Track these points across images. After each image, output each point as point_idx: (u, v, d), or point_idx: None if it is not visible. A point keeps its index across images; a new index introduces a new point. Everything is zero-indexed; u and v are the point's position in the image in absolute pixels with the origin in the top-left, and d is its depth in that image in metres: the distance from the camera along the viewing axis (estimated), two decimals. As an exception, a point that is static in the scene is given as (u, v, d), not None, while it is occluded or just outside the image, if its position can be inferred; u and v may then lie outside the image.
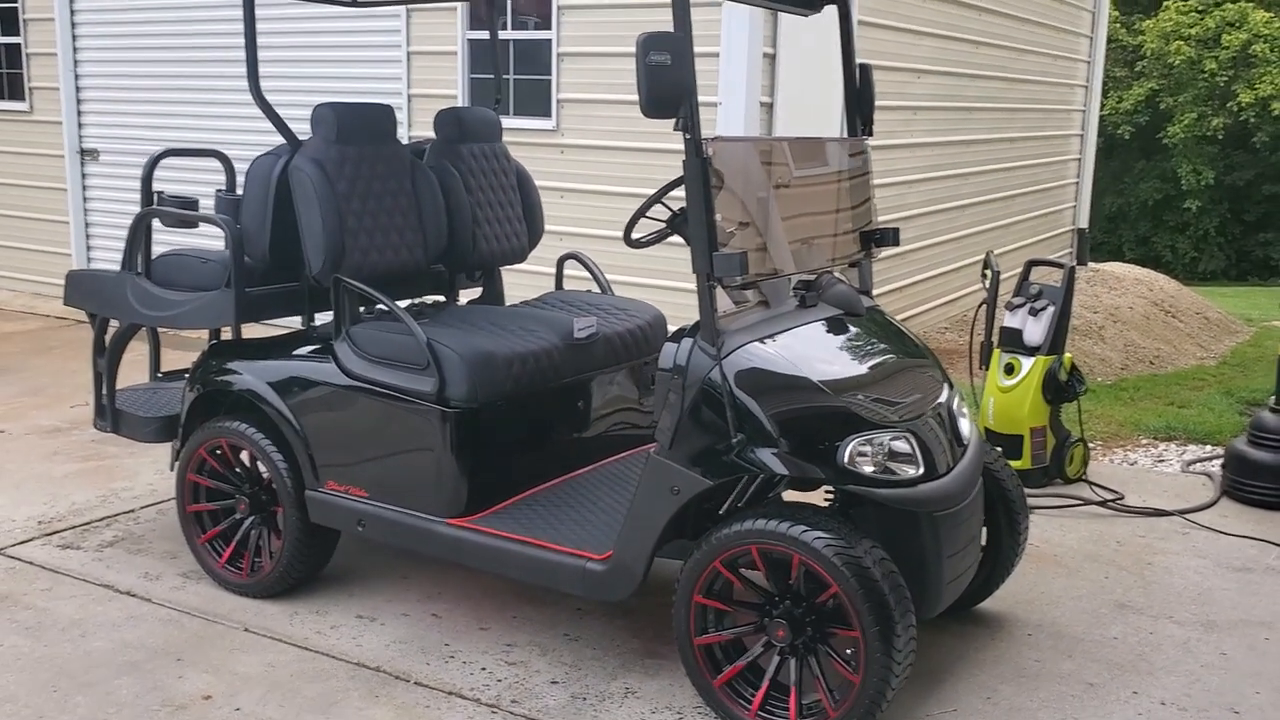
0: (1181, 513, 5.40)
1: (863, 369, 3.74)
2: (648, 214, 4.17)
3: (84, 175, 9.64)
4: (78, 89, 9.51)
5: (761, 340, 3.52)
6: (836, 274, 4.17)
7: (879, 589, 3.24)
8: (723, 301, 3.54)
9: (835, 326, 3.87)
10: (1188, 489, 5.79)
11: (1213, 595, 4.54)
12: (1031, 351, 5.76)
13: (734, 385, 3.41)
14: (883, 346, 3.97)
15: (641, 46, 3.19)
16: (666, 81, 3.21)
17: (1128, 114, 26.76)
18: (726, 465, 3.43)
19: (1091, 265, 13.90)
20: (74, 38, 9.43)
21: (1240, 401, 8.01)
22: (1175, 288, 13.81)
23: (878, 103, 8.56)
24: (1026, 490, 5.58)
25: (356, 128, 4.34)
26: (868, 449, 3.41)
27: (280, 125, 4.28)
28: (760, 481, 3.75)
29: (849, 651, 3.33)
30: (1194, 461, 6.31)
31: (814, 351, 3.64)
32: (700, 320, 3.47)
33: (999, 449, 5.69)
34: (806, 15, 4.37)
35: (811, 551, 3.27)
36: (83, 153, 9.57)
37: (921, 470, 3.51)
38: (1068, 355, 5.78)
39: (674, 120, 3.31)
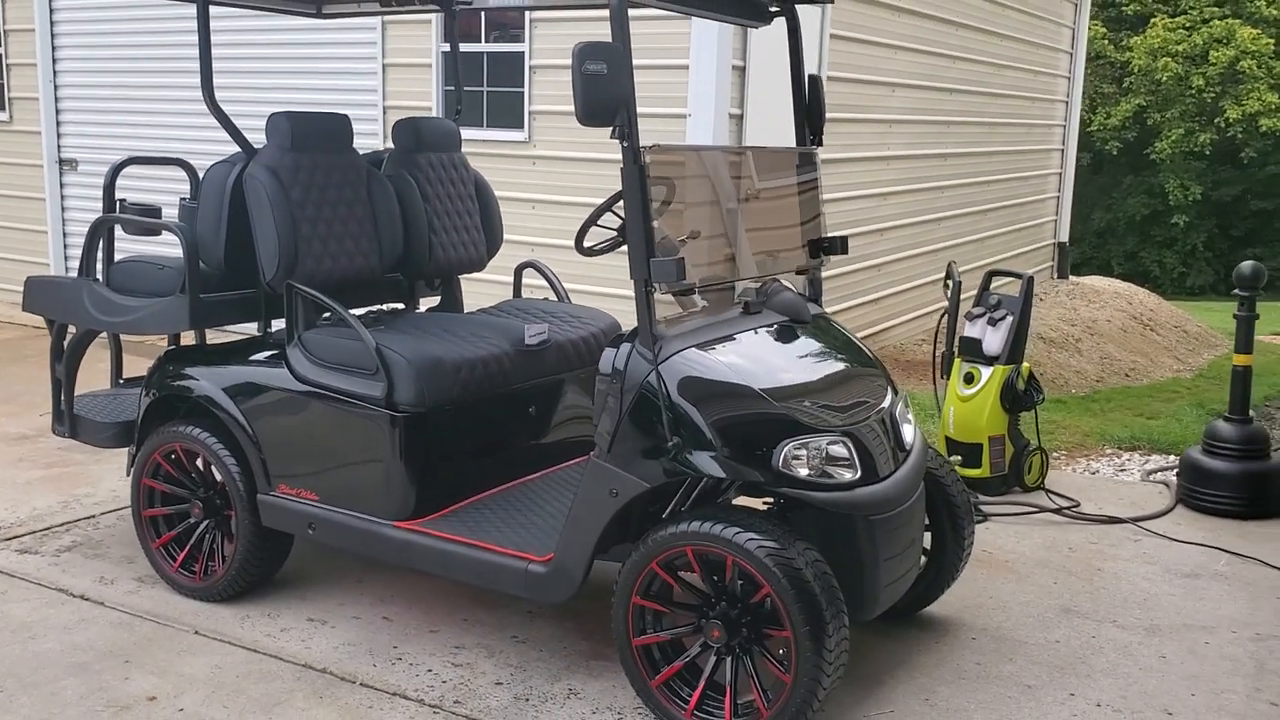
0: (1135, 520, 5.45)
1: (803, 374, 3.79)
2: (599, 223, 4.24)
3: (62, 185, 9.71)
4: (57, 99, 9.58)
5: (699, 346, 3.57)
6: (784, 281, 4.23)
7: (810, 589, 3.29)
8: (668, 308, 3.59)
9: (779, 333, 3.92)
10: (1145, 497, 5.84)
11: (1158, 600, 4.59)
12: (990, 361, 5.81)
13: (670, 389, 3.46)
14: (826, 353, 4.02)
15: (577, 56, 3.24)
16: (602, 90, 3.27)
17: (1115, 130, 26.92)
18: (664, 468, 3.48)
19: (1071, 279, 14.00)
20: (54, 49, 9.51)
21: (1210, 413, 8.06)
22: (1155, 301, 13.90)
23: (853, 115, 8.69)
24: (984, 498, 5.66)
25: (311, 136, 4.40)
26: (802, 453, 3.45)
27: (234, 133, 4.33)
28: (706, 486, 3.79)
29: (781, 652, 3.37)
30: (1155, 471, 6.36)
31: (753, 357, 3.69)
32: (638, 326, 3.52)
33: (958, 456, 5.78)
34: (757, 27, 4.43)
35: (744, 552, 3.32)
36: (61, 162, 9.64)
37: (858, 474, 3.56)
38: (1026, 365, 5.84)
39: (610, 129, 3.36)
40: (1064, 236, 13.98)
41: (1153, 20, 26.79)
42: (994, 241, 11.81)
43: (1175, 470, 6.04)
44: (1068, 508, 5.58)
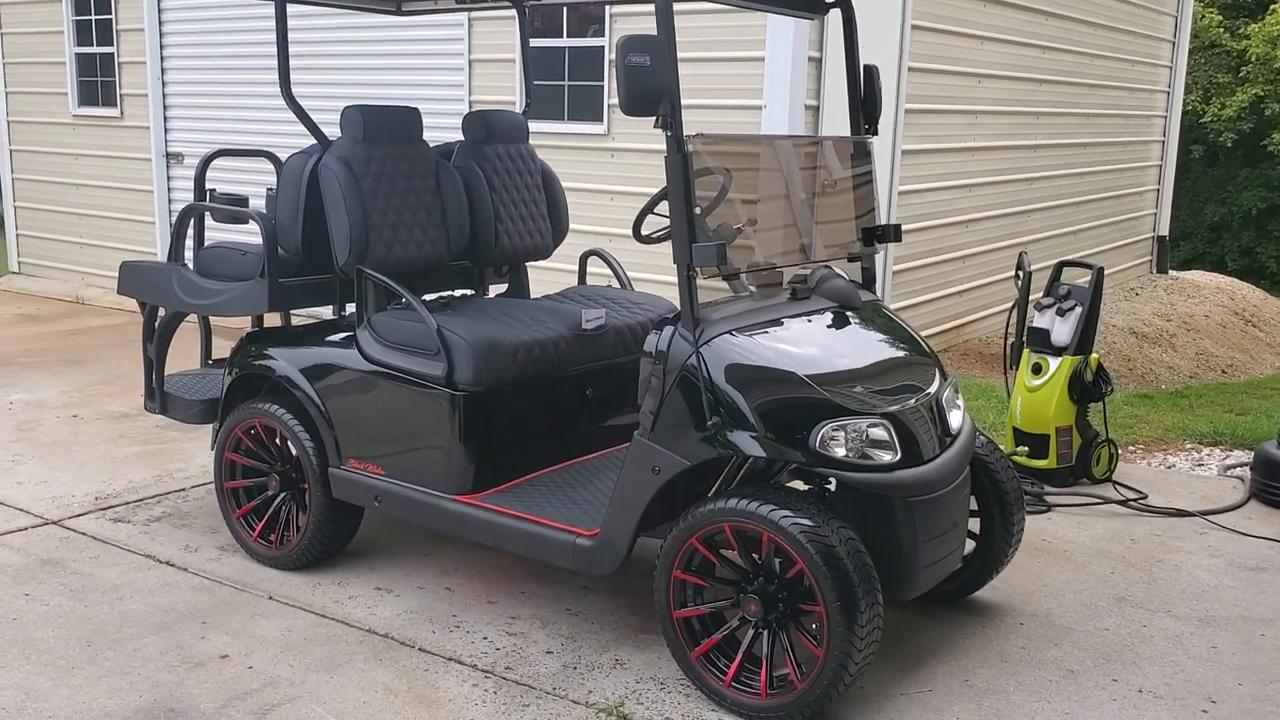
0: (1203, 513, 5.39)
1: (847, 359, 3.86)
2: (656, 211, 4.37)
3: (169, 177, 10.18)
4: (164, 95, 10.04)
5: (740, 330, 3.67)
6: (836, 268, 4.30)
7: (843, 566, 3.37)
8: (716, 292, 3.69)
9: (826, 318, 4.00)
10: (1218, 491, 5.76)
11: (1217, 592, 4.55)
12: (1058, 351, 5.79)
13: (710, 371, 3.57)
14: (874, 339, 4.09)
15: (621, 49, 3.37)
16: (645, 81, 3.39)
17: (1230, 121, 26.02)
18: (703, 447, 3.59)
19: (1171, 273, 13.68)
20: (162, 47, 9.96)
21: (1307, 410, 7.87)
22: (1260, 297, 13.52)
23: (936, 106, 8.65)
24: (1050, 489, 5.65)
25: (383, 128, 4.60)
26: (840, 434, 3.54)
27: (311, 126, 4.55)
28: (755, 468, 3.90)
29: (815, 626, 3.46)
30: (1234, 466, 6.25)
31: (795, 341, 3.77)
32: (680, 309, 3.64)
33: (1025, 447, 5.78)
34: (812, 19, 4.51)
35: (778, 529, 3.42)
36: (168, 156, 10.10)
37: (898, 456, 3.62)
38: (1094, 356, 5.80)
39: (655, 118, 3.48)
40: (1164, 230, 13.65)
41: (1273, 7, 25.84)
42: (1088, 234, 11.62)
43: (1250, 465, 5.94)
44: (1134, 500, 5.53)
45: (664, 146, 3.56)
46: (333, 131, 4.58)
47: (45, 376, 7.64)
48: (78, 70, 10.65)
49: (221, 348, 5.50)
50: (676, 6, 7.17)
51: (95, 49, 10.46)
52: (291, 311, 5.10)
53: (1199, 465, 6.35)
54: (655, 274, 6.88)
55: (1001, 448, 4.81)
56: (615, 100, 7.66)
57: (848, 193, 4.33)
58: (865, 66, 4.38)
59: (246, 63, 9.41)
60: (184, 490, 5.52)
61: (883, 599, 3.48)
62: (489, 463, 4.21)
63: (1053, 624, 4.25)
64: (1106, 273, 6.15)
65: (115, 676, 3.78)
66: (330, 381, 4.46)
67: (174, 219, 10.15)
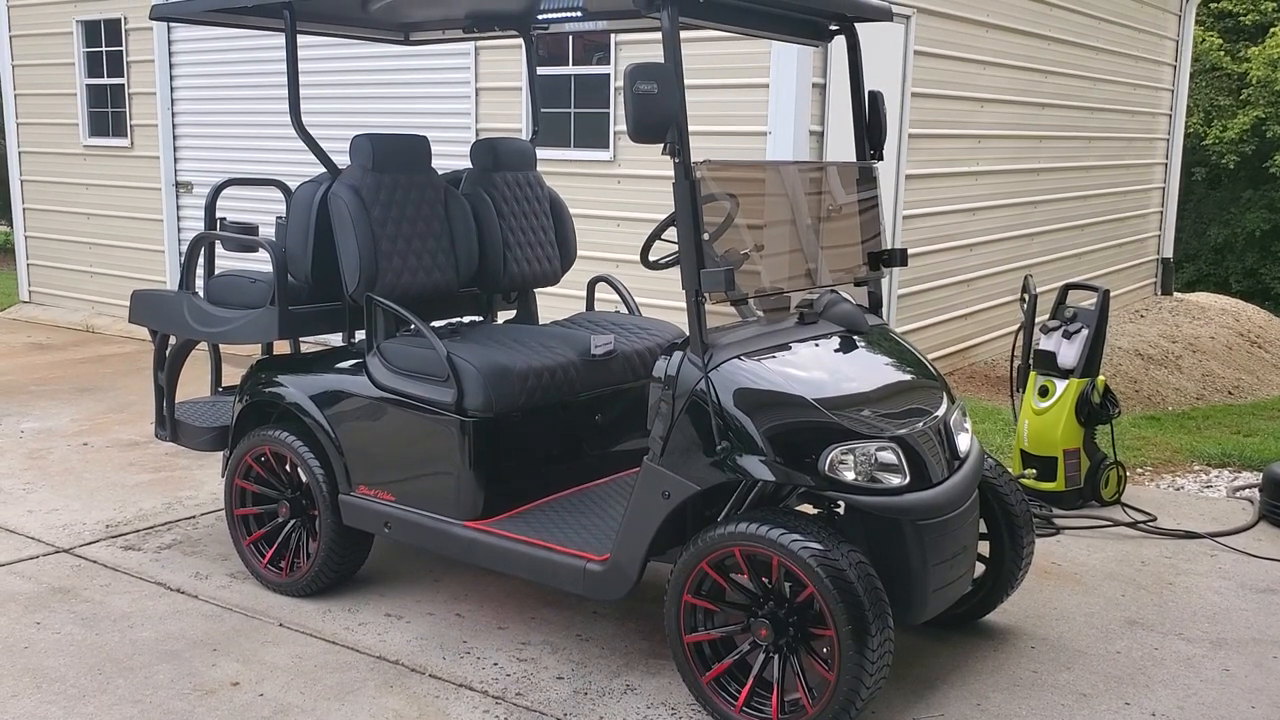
0: (1213, 535, 5.38)
1: (855, 382, 3.87)
2: (664, 238, 4.40)
3: (179, 207, 10.24)
4: (174, 125, 10.12)
5: (749, 354, 3.69)
6: (842, 293, 4.33)
7: (853, 590, 3.37)
8: (726, 317, 3.71)
9: (834, 342, 4.02)
10: (1227, 513, 5.76)
11: (1229, 615, 4.55)
12: (1065, 374, 5.80)
13: (720, 396, 3.59)
14: (881, 362, 4.11)
15: (628, 76, 3.41)
16: (652, 109, 3.42)
17: (1233, 143, 26.09)
18: (713, 471, 3.61)
19: (1176, 295, 13.70)
20: (172, 78, 10.04)
21: (1314, 431, 7.85)
22: (1265, 318, 13.54)
23: (939, 131, 8.70)
24: (1059, 511, 5.65)
25: (392, 156, 4.64)
26: (849, 457, 3.55)
27: (320, 155, 4.59)
28: (764, 492, 3.91)
29: (826, 651, 3.46)
30: (1242, 488, 6.25)
31: (803, 365, 3.79)
32: (689, 334, 3.66)
33: (1033, 469, 5.78)
34: (816, 46, 4.54)
35: (788, 553, 3.43)
36: (178, 185, 10.17)
37: (907, 480, 3.63)
38: (1101, 378, 5.81)
39: (662, 145, 3.51)
40: (1168, 252, 13.69)
41: (1273, 30, 25.96)
42: (1092, 257, 11.65)
43: (1259, 486, 5.94)
44: (1144, 522, 5.53)
45: (670, 172, 3.59)
46: (342, 160, 4.62)
47: (56, 405, 7.67)
48: (88, 101, 10.73)
49: (232, 375, 5.53)
50: (682, 34, 7.23)
51: (106, 80, 10.54)
52: (301, 339, 5.12)
53: (1207, 487, 6.35)
54: (662, 299, 6.91)
55: (1009, 470, 4.81)
56: (621, 127, 7.71)
57: (853, 217, 4.36)
58: (870, 92, 4.42)
59: (255, 93, 9.49)
60: (194, 518, 5.53)
61: (893, 623, 3.49)
62: (499, 488, 4.22)
63: (1064, 647, 4.25)
64: (1111, 295, 6.17)
65: (126, 705, 3.78)
66: (340, 408, 4.49)
67: (184, 248, 10.25)
